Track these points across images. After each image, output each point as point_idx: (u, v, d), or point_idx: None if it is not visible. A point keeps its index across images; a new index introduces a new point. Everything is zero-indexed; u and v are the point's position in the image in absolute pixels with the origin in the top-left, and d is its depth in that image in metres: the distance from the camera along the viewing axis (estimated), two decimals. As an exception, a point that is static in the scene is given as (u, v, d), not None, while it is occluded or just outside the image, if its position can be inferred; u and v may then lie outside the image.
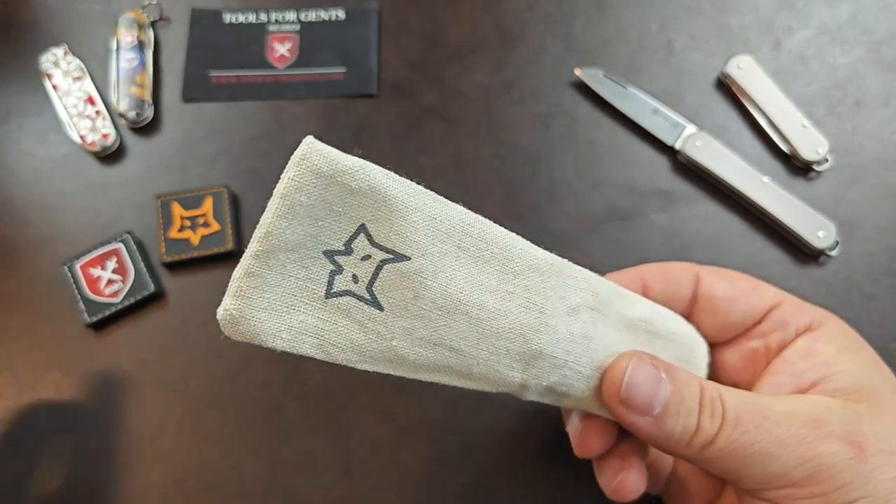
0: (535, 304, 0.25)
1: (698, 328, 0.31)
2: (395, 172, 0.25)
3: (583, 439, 0.29)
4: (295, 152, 0.22)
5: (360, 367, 0.23)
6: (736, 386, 0.30)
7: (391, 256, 0.22)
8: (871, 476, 0.24)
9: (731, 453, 0.25)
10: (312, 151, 0.22)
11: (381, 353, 0.23)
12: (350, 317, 0.22)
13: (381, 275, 0.22)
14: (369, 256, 0.22)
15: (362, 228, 0.22)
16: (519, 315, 0.24)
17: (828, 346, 0.28)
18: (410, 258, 0.22)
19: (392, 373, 0.23)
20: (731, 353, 0.31)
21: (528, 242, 0.26)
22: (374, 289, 0.22)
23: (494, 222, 0.42)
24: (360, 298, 0.22)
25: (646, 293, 0.29)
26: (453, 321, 0.23)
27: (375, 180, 0.23)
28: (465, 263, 0.24)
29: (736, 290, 0.30)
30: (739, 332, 0.30)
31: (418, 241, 0.23)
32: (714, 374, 0.31)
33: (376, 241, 0.22)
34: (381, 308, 0.22)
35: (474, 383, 0.25)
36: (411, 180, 0.24)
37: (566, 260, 0.27)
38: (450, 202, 0.24)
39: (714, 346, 0.31)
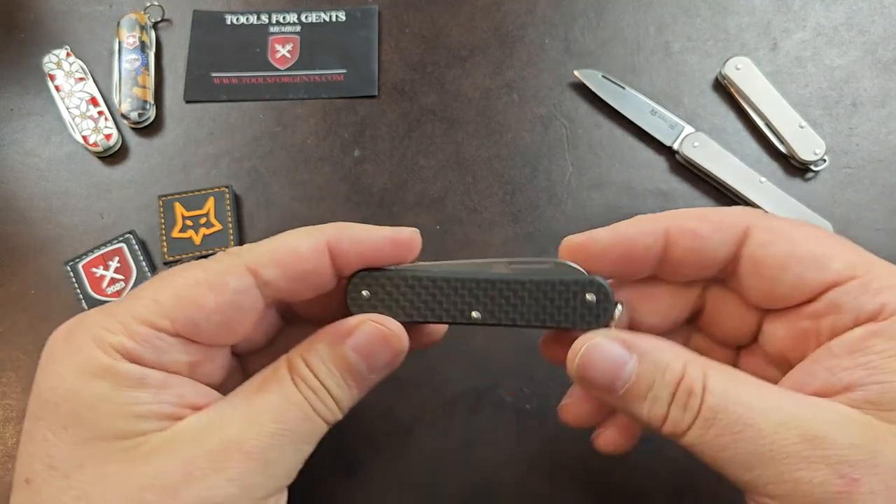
0: None
1: (739, 289, 0.27)
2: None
3: (567, 409, 0.30)
4: None
5: None
6: (786, 361, 0.27)
7: None
8: None
9: (704, 451, 0.23)
10: None
11: None
12: None
13: None
14: None
15: None
16: None
17: (887, 345, 0.23)
18: None
19: None
20: (780, 327, 0.26)
21: None
22: None
23: (494, 223, 0.43)
24: None
25: (668, 250, 0.26)
26: None
27: None
28: None
29: (791, 258, 0.24)
30: (788, 305, 0.25)
31: None
32: (763, 343, 0.28)
33: None
34: None
35: None
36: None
37: None
38: None
39: (763, 311, 0.27)
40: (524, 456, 0.37)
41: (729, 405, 0.23)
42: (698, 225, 0.25)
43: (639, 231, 0.26)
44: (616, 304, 0.26)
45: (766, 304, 0.26)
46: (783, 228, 0.25)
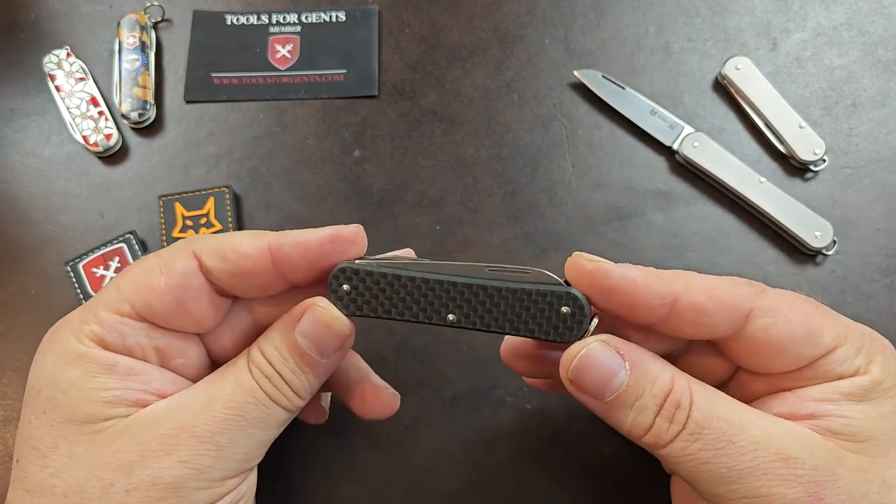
0: None
1: (732, 356, 0.28)
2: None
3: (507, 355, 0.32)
4: None
5: None
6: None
7: None
8: None
9: (683, 463, 0.24)
10: None
11: None
12: None
13: None
14: None
15: None
16: None
17: (855, 392, 0.25)
18: None
19: None
20: (762, 382, 0.27)
21: None
22: None
23: (494, 223, 0.43)
24: None
25: (671, 315, 0.26)
26: None
27: None
28: None
29: (790, 339, 0.26)
30: (779, 373, 0.27)
31: None
32: (736, 389, 0.29)
33: None
34: None
35: None
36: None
37: None
38: None
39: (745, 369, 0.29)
40: (524, 456, 0.37)
41: (714, 421, 0.24)
42: (705, 302, 0.25)
43: (649, 290, 0.25)
44: (591, 318, 0.26)
45: (759, 371, 0.27)
46: (781, 309, 0.26)
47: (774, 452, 0.24)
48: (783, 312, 0.26)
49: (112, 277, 0.28)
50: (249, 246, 0.26)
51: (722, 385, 0.29)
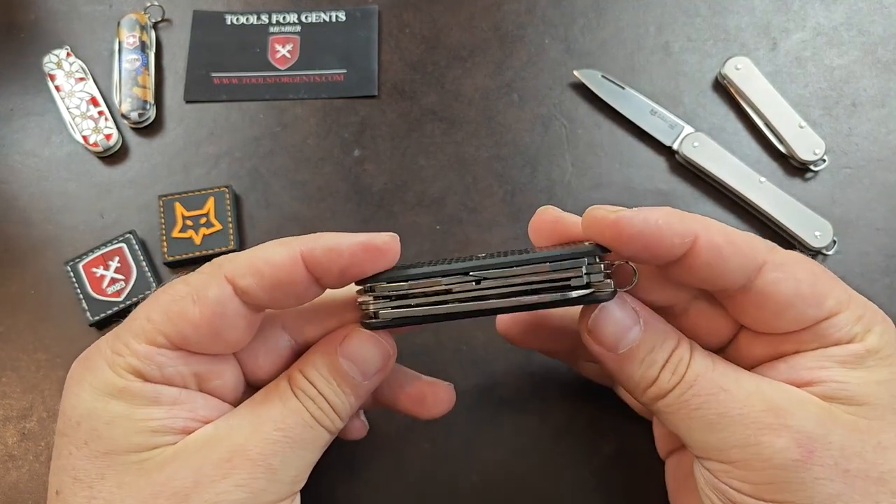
0: None
1: (736, 311, 0.28)
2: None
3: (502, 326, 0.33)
4: None
5: None
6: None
7: None
8: (811, 485, 0.23)
9: (678, 412, 0.25)
10: None
11: None
12: None
13: None
14: None
15: None
16: None
17: (849, 359, 0.25)
18: None
19: None
20: (760, 346, 0.28)
21: None
22: None
23: (494, 223, 0.43)
24: None
25: (687, 255, 0.25)
26: None
27: None
28: None
29: (796, 296, 0.25)
30: (780, 332, 0.27)
31: None
32: (735, 355, 0.29)
33: None
34: None
35: None
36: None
37: None
38: None
39: (740, 328, 0.29)
40: (524, 456, 0.37)
41: (709, 371, 0.26)
42: (723, 245, 0.25)
43: (671, 229, 0.25)
44: (634, 275, 0.27)
45: (760, 329, 0.27)
46: (790, 265, 0.26)
47: (765, 402, 0.24)
48: (794, 269, 0.26)
49: (139, 306, 0.27)
50: (281, 255, 0.26)
51: (720, 351, 0.29)
